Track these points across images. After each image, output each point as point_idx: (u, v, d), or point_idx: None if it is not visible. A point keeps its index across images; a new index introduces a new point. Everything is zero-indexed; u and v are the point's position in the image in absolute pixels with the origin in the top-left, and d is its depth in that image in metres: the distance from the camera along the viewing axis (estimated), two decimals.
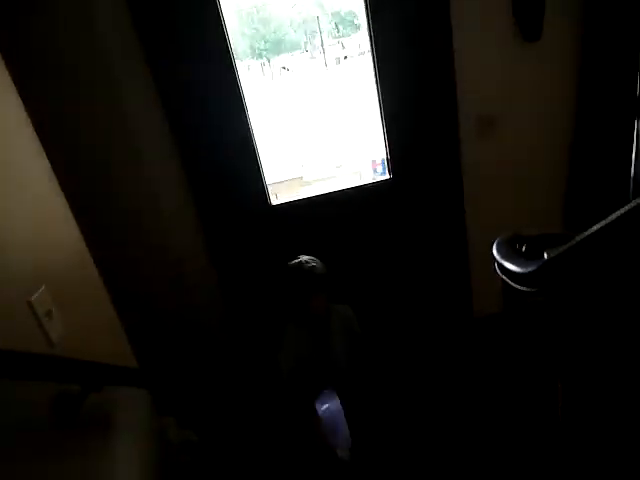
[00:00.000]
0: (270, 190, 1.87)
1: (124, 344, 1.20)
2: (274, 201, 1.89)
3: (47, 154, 1.03)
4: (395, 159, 1.88)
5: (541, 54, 1.78)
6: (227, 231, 1.86)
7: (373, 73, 1.76)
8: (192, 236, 1.85)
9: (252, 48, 1.69)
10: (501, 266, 1.02)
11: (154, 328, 1.83)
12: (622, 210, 0.62)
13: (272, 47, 1.68)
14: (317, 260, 1.57)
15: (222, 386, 1.99)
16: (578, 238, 0.75)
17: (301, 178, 1.85)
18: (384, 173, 1.94)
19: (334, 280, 1.61)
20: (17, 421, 0.72)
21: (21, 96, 0.97)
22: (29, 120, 0.98)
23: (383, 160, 1.92)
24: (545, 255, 0.90)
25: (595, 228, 0.69)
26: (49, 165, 1.02)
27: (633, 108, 1.76)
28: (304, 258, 1.57)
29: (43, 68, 1.35)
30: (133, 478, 1.06)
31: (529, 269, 0.90)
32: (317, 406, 1.68)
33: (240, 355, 2.09)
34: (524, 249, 1.01)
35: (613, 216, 0.64)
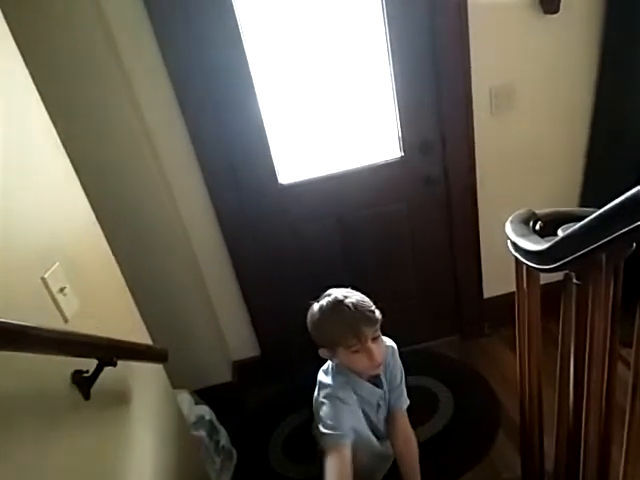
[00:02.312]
0: (278, 169, 1.85)
1: (138, 321, 1.23)
2: (282, 180, 1.87)
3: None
4: (407, 137, 1.86)
5: (560, 27, 1.72)
6: (237, 210, 1.86)
7: (386, 50, 1.72)
8: (203, 214, 1.86)
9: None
10: (514, 244, 1.01)
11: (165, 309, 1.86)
12: (636, 189, 0.61)
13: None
14: (358, 293, 1.16)
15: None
16: (592, 216, 0.73)
17: (311, 156, 1.86)
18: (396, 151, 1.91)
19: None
20: (35, 394, 0.74)
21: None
22: (41, 104, 0.98)
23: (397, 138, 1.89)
24: (559, 233, 0.89)
25: (609, 206, 0.68)
26: (61, 145, 1.03)
27: None
28: (340, 292, 1.14)
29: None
30: (147, 448, 1.10)
31: (543, 247, 0.89)
32: None
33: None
34: (538, 227, 1.00)
35: (628, 194, 0.63)
